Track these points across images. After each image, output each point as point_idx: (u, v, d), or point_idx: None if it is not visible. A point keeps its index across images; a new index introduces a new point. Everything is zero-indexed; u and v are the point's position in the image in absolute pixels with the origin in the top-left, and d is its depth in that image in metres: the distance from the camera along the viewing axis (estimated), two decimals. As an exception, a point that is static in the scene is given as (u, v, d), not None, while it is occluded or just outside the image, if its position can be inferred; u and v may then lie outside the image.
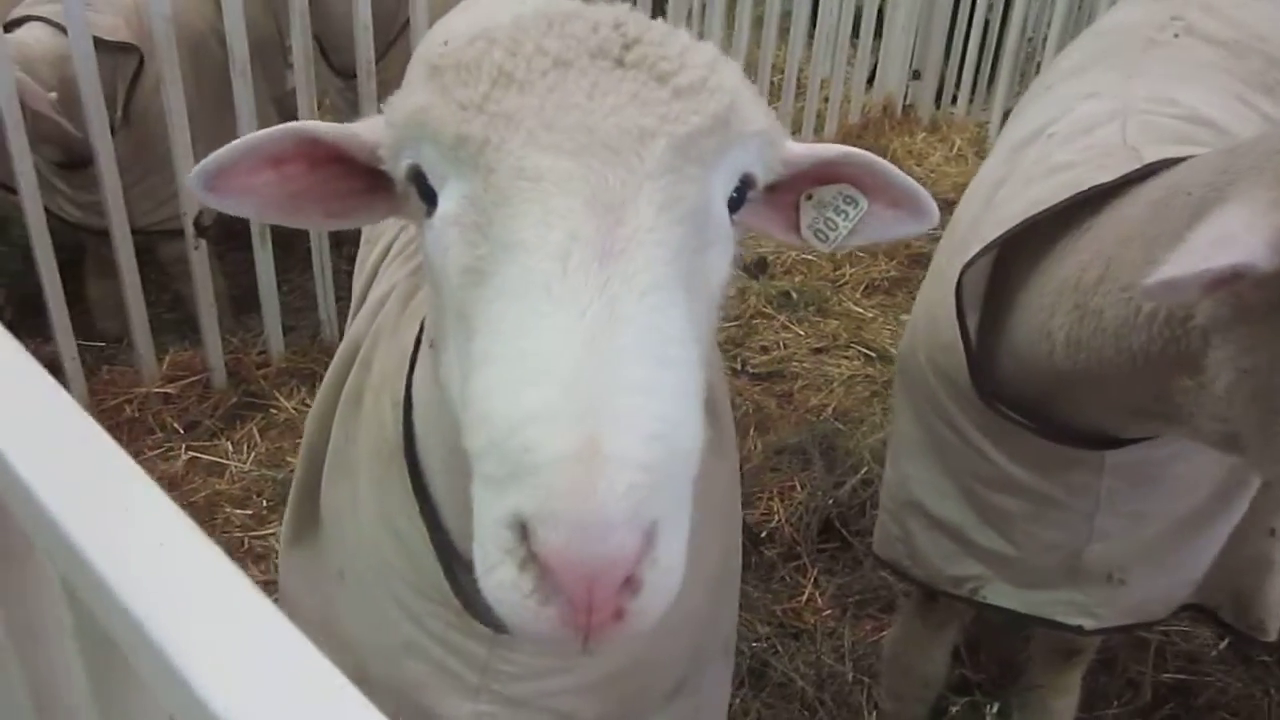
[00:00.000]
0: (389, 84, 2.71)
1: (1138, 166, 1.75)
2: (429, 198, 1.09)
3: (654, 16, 1.14)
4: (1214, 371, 1.48)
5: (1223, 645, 3.01)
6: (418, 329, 1.45)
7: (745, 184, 1.14)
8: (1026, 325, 1.88)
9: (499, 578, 0.86)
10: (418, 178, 1.09)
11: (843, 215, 1.29)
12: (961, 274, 1.93)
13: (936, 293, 2.06)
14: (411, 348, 1.45)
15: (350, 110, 4.40)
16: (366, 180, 1.20)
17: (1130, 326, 1.61)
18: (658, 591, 0.87)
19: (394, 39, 4.34)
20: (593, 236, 0.94)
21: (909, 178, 1.31)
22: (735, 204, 1.13)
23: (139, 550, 0.73)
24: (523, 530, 0.84)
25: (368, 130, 1.17)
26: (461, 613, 1.44)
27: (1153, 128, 1.91)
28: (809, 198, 1.29)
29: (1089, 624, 2.19)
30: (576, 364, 0.87)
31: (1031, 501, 2.06)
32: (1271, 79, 2.21)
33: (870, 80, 6.34)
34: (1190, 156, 1.67)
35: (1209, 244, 1.33)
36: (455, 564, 1.42)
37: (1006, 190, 2.02)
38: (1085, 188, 1.78)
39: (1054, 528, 2.08)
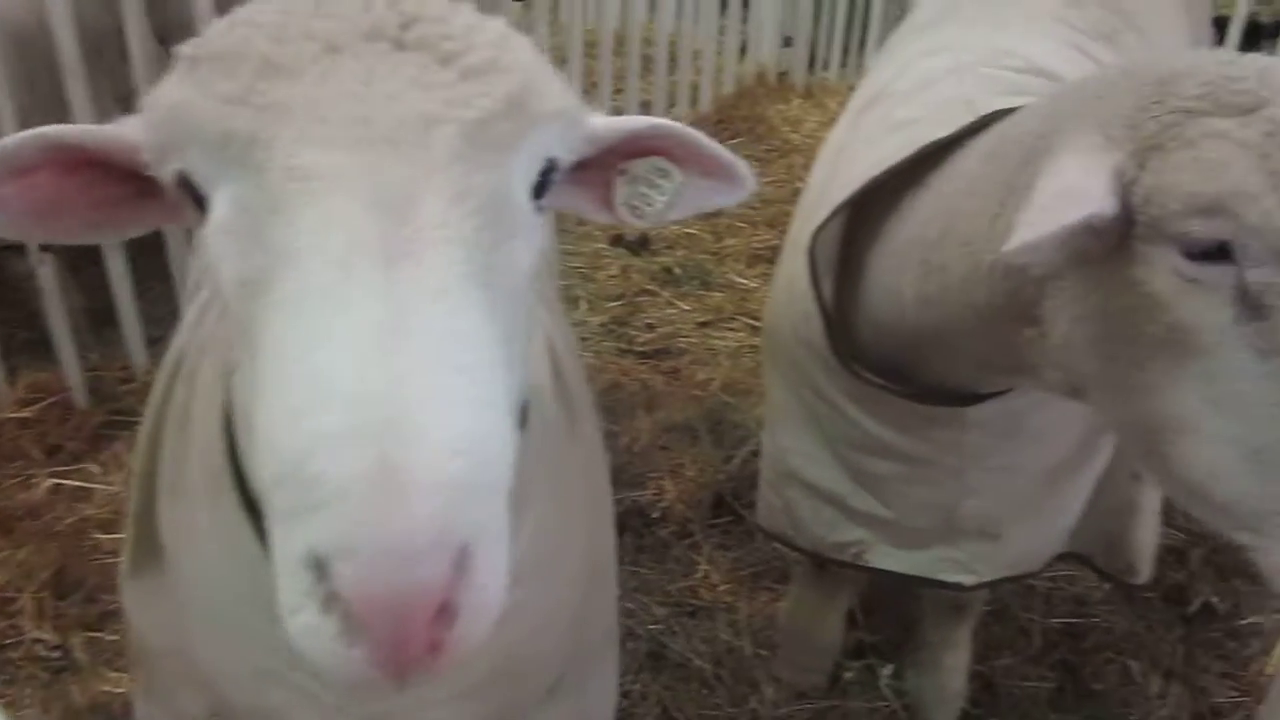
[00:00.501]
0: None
1: (972, 120, 1.74)
2: (202, 203, 0.99)
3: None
4: (1051, 320, 1.49)
5: (1108, 586, 3.07)
6: None
7: (549, 167, 1.07)
8: (878, 287, 1.87)
9: (302, 622, 0.80)
10: (186, 182, 0.99)
11: (657, 189, 1.24)
12: (813, 240, 1.91)
13: (794, 262, 2.04)
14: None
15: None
16: (134, 185, 1.08)
17: (973, 280, 1.61)
18: (477, 616, 0.82)
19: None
20: (375, 239, 0.87)
21: (720, 146, 1.25)
22: (540, 189, 1.06)
23: None
24: (322, 568, 0.78)
25: (130, 130, 1.04)
26: None
27: (990, 80, 1.91)
28: (621, 173, 1.23)
29: (969, 580, 2.21)
30: (364, 380, 0.81)
31: (902, 463, 2.06)
32: (1109, 27, 2.24)
33: (742, 50, 6.32)
34: (1021, 107, 1.67)
35: (1056, 200, 1.34)
36: None
37: (850, 152, 2.00)
38: (924, 144, 1.77)
39: (926, 487, 2.08)
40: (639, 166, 1.23)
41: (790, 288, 2.05)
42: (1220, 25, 4.95)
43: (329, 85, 0.93)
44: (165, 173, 1.00)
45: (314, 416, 0.80)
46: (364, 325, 0.83)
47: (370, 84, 0.93)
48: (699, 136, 1.24)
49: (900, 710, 2.70)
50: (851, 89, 6.34)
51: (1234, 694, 2.80)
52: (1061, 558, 2.38)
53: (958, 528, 2.12)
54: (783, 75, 6.47)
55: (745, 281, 4.61)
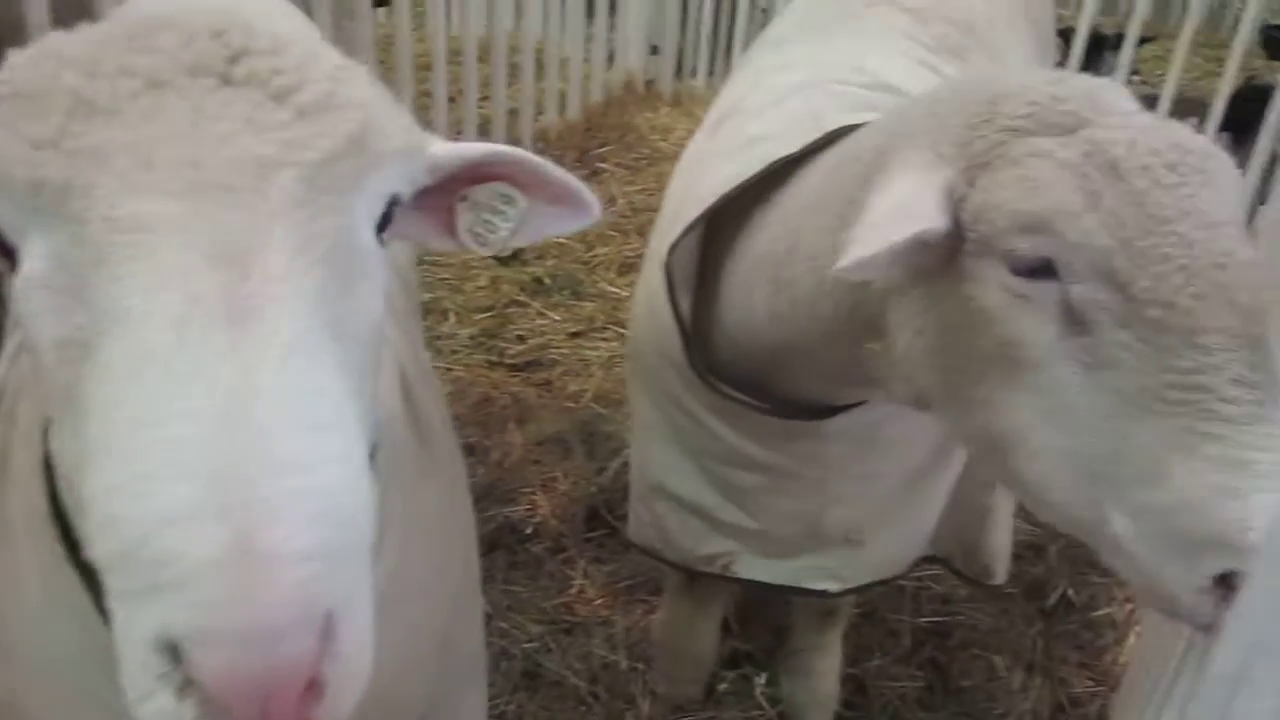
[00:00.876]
0: None
1: (819, 136, 1.76)
2: (8, 253, 0.90)
3: (379, 5, 1.01)
4: (894, 334, 1.52)
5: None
6: None
7: (392, 203, 1.03)
8: (732, 302, 1.87)
9: (155, 708, 0.76)
10: None
11: (501, 215, 1.21)
12: (668, 255, 1.90)
13: (653, 276, 2.03)
14: None
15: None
16: None
17: (820, 295, 1.63)
18: (344, 686, 0.80)
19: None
20: (214, 296, 0.81)
21: (565, 173, 1.23)
22: (382, 224, 1.02)
23: None
24: (174, 651, 0.74)
25: None
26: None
27: (839, 97, 1.94)
28: (463, 199, 1.19)
29: (835, 586, 2.24)
30: (211, 450, 0.76)
31: (766, 475, 2.07)
32: (956, 43, 2.29)
33: (610, 58, 6.33)
34: (865, 123, 1.69)
35: (887, 217, 1.36)
36: None
37: (704, 167, 2.01)
38: (773, 160, 1.78)
39: (790, 498, 2.10)
40: (481, 193, 1.19)
41: (650, 301, 2.05)
42: (1065, 37, 5.16)
43: (152, 126, 0.86)
44: None
45: (158, 492, 0.75)
46: (208, 392, 0.78)
47: (198, 124, 0.87)
48: (543, 163, 1.21)
49: (776, 718, 2.72)
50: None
51: (1091, 684, 2.90)
52: (924, 560, 2.43)
53: (823, 536, 2.14)
54: (650, 83, 6.50)
55: (617, 290, 4.60)
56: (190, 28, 0.92)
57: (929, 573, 3.13)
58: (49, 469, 1.25)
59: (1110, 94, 1.41)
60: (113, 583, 0.77)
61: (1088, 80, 1.44)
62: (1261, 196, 4.71)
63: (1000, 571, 2.40)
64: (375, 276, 0.99)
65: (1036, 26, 2.85)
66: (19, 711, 1.44)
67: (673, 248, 1.90)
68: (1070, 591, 3.14)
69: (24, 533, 1.34)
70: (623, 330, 4.31)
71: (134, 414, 0.78)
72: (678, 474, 2.22)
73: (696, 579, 2.57)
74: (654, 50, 6.53)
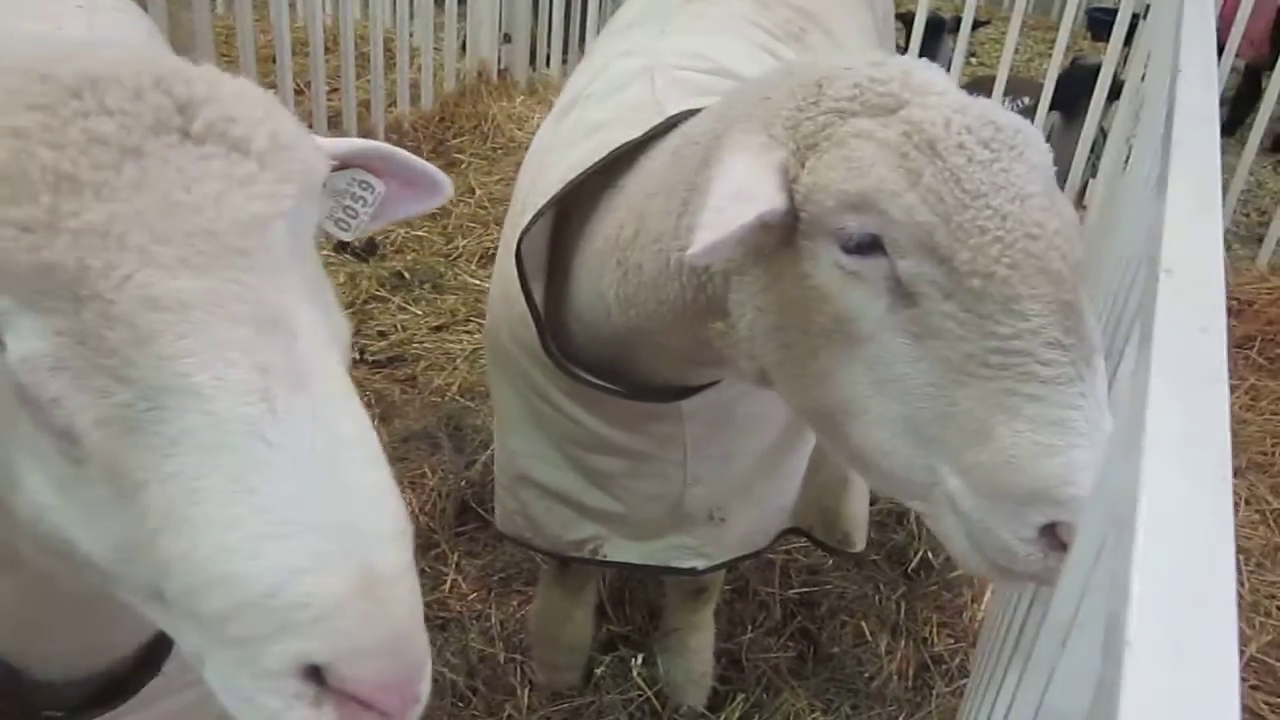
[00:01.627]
0: None
1: (661, 121, 1.78)
2: None
3: None
4: (737, 313, 1.56)
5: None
6: None
7: None
8: (584, 288, 1.88)
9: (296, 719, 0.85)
10: None
11: (360, 201, 1.25)
12: (519, 244, 1.90)
13: (506, 264, 2.02)
14: None
15: None
16: None
17: (665, 277, 1.66)
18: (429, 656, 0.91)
19: None
20: (282, 364, 0.87)
21: (417, 158, 1.29)
22: None
23: None
24: (310, 671, 0.84)
25: None
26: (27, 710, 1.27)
27: (680, 82, 1.96)
28: (322, 186, 1.20)
29: (701, 564, 2.28)
30: (323, 505, 0.85)
31: (628, 458, 2.09)
32: (796, 27, 2.34)
33: (462, 47, 6.25)
34: (705, 108, 1.72)
35: (729, 200, 1.39)
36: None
37: (552, 156, 2.00)
38: (616, 146, 1.80)
39: (652, 479, 2.12)
40: (340, 180, 1.23)
41: (505, 291, 2.04)
42: (905, 21, 5.33)
43: (146, 196, 0.88)
44: None
45: (285, 546, 0.83)
46: (307, 453, 0.85)
47: (190, 189, 0.89)
48: (398, 151, 1.27)
49: (653, 698, 2.75)
50: (573, 85, 6.49)
51: (951, 641, 3.03)
52: (787, 532, 2.48)
53: (686, 515, 2.18)
54: (504, 72, 6.45)
55: (478, 282, 4.55)
56: (130, 79, 0.92)
57: (796, 545, 3.22)
58: None
59: (926, 74, 1.46)
60: (223, 631, 0.85)
61: (905, 61, 1.50)
62: (1092, 170, 4.98)
63: (859, 539, 2.48)
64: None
65: (875, 11, 2.94)
66: None
67: (522, 236, 1.90)
68: (929, 554, 3.27)
69: None
70: (485, 323, 4.29)
71: (232, 482, 0.84)
72: (541, 461, 2.22)
73: (568, 566, 2.58)
74: (506, 39, 6.48)
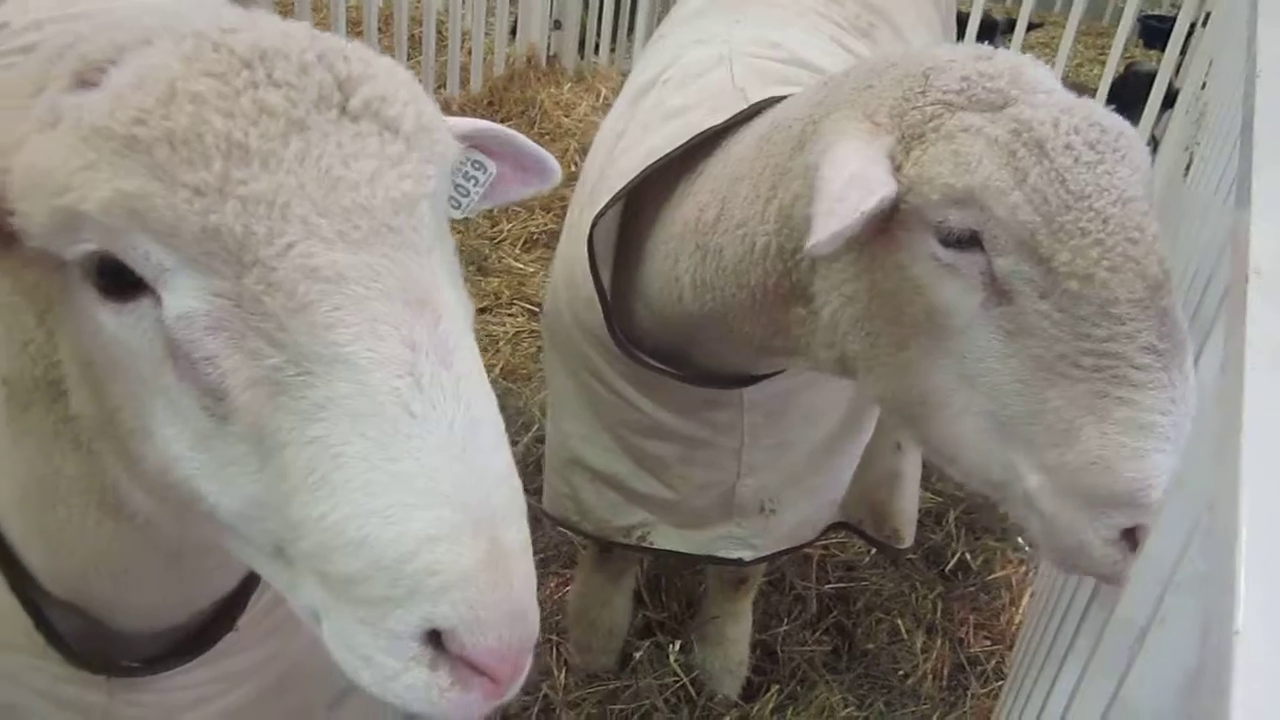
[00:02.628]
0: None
1: (745, 106, 1.79)
2: (123, 286, 0.91)
3: None
4: (821, 300, 1.56)
5: (874, 551, 3.25)
6: None
7: None
8: (656, 273, 1.89)
9: (409, 681, 0.89)
10: (107, 266, 0.91)
11: (473, 181, 1.27)
12: (592, 228, 1.91)
13: (573, 249, 2.04)
14: None
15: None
16: None
17: (748, 262, 1.66)
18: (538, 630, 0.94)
19: None
20: (428, 341, 0.90)
21: (531, 142, 1.31)
22: None
23: None
24: (430, 635, 0.88)
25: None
26: (65, 664, 1.28)
27: (758, 70, 1.97)
28: None
29: (748, 555, 2.28)
30: (460, 479, 0.88)
31: (682, 445, 2.10)
32: (865, 22, 2.35)
33: (513, 32, 6.27)
34: (790, 95, 1.72)
35: (848, 188, 1.39)
36: (48, 610, 1.27)
37: (627, 140, 2.02)
38: (698, 131, 1.80)
39: (705, 467, 2.13)
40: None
41: (570, 274, 2.05)
42: (958, 22, 5.31)
43: (311, 169, 0.91)
44: (68, 251, 0.92)
45: (420, 516, 0.86)
46: (447, 428, 0.88)
47: (349, 165, 0.92)
48: (515, 134, 1.29)
49: (689, 684, 2.76)
50: (623, 74, 6.47)
51: (988, 643, 3.03)
52: (833, 527, 2.49)
53: (736, 505, 2.18)
54: (553, 58, 6.46)
55: (521, 266, 4.58)
56: (299, 54, 0.94)
57: (834, 540, 3.22)
58: None
59: (1035, 71, 1.46)
60: (355, 591, 0.88)
61: (1013, 57, 1.49)
62: (1142, 178, 4.93)
63: (908, 535, 2.48)
64: None
65: (939, 9, 2.93)
66: None
67: (596, 219, 1.91)
68: (968, 556, 3.27)
69: None
70: (529, 306, 4.31)
71: (374, 450, 0.87)
72: (593, 445, 2.23)
73: (610, 551, 2.59)
74: (557, 25, 6.50)
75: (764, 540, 2.28)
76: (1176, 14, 4.80)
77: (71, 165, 0.89)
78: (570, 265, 2.04)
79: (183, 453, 0.95)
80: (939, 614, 3.09)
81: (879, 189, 1.38)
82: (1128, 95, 5.07)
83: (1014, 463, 1.40)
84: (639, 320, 2.01)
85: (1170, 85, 4.83)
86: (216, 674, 1.40)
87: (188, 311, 0.90)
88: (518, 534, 0.91)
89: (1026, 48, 7.44)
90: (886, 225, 1.44)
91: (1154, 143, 4.94)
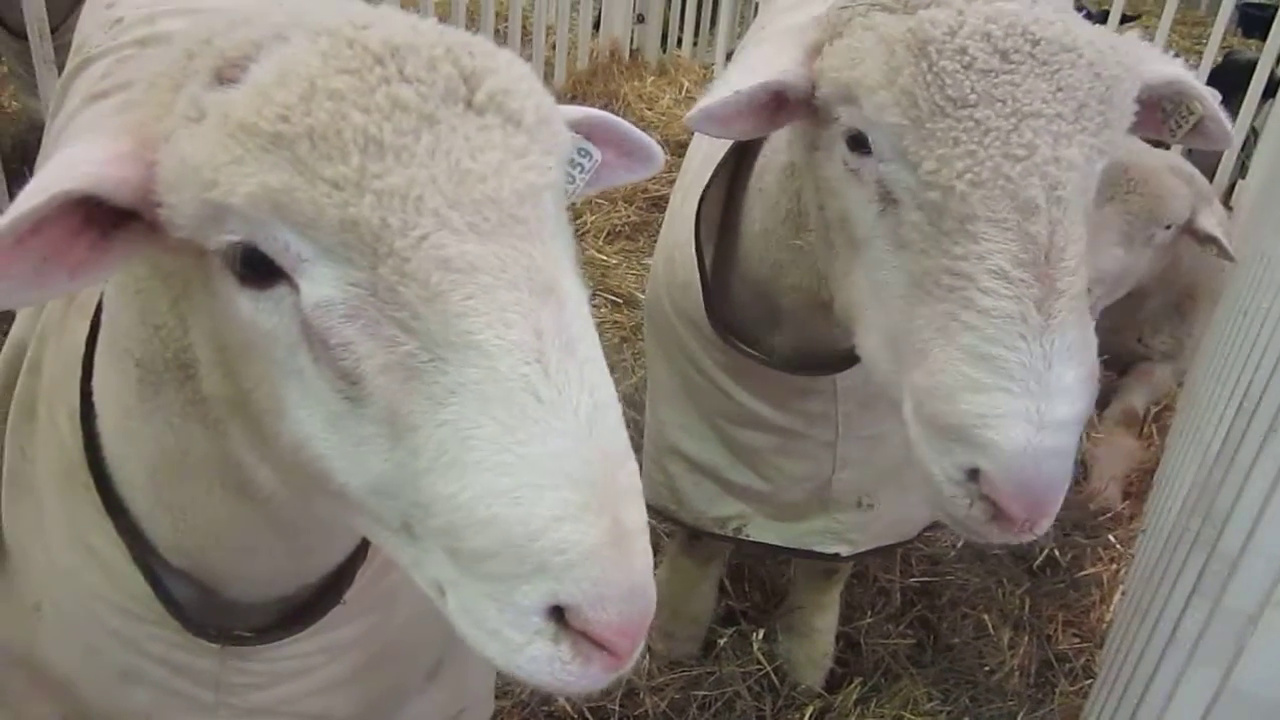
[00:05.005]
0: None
1: None
2: (261, 274, 0.96)
3: None
4: (812, 218, 1.58)
5: (960, 545, 3.22)
6: (88, 328, 1.30)
7: None
8: (746, 240, 1.89)
9: (533, 654, 0.93)
10: (248, 256, 0.95)
11: (579, 168, 1.29)
12: (700, 201, 1.92)
13: (673, 234, 2.05)
14: (83, 348, 1.30)
15: (33, 78, 3.93)
16: (109, 221, 1.01)
17: (779, 189, 1.68)
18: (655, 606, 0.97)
19: (78, -1, 3.91)
20: (553, 328, 0.94)
21: (635, 129, 1.34)
22: None
23: None
24: (554, 611, 0.91)
25: (130, 168, 0.98)
26: (182, 630, 1.34)
27: None
28: None
29: (845, 550, 2.27)
30: (585, 461, 0.92)
31: (776, 435, 2.10)
32: None
33: (596, 26, 6.31)
34: None
35: (741, 73, 1.44)
36: (166, 579, 1.32)
37: None
38: None
39: (800, 459, 2.13)
40: None
41: (669, 259, 2.07)
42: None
43: (440, 163, 0.94)
44: (213, 241, 0.96)
45: (548, 496, 0.90)
46: (573, 413, 0.92)
47: (476, 158, 0.95)
48: (620, 121, 1.32)
49: (772, 673, 2.77)
50: (704, 68, 6.50)
51: (1077, 640, 2.99)
52: (934, 525, 2.46)
53: (832, 499, 2.17)
54: (635, 53, 6.49)
55: (605, 258, 4.62)
56: (427, 48, 0.97)
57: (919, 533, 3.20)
58: (85, 420, 1.28)
59: None
60: (484, 568, 0.93)
61: None
62: (1241, 170, 4.80)
63: None
64: None
65: None
66: (37, 663, 1.46)
67: (704, 192, 1.91)
68: (1056, 552, 3.23)
69: (51, 483, 1.37)
70: (611, 297, 4.35)
71: (504, 433, 0.91)
72: (689, 434, 2.25)
73: (698, 538, 2.61)
74: (640, 19, 6.53)
75: (862, 535, 2.26)
76: (1277, 1, 4.65)
77: (219, 160, 0.93)
78: (670, 251, 2.06)
79: (315, 432, 0.99)
80: (1026, 610, 3.06)
81: (766, 75, 1.40)
82: (1226, 85, 4.92)
83: (899, 384, 1.37)
84: (736, 304, 2.01)
85: (1271, 75, 4.69)
86: (320, 645, 1.44)
87: (325, 300, 0.94)
88: (638, 514, 0.94)
89: (1118, 38, 7.25)
90: (818, 132, 1.45)
91: (1254, 134, 4.81)
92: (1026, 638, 2.97)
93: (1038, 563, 3.21)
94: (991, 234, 1.25)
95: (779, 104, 1.46)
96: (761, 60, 1.45)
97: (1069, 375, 1.24)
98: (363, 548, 1.43)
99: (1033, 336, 1.24)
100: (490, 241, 0.93)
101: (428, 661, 1.67)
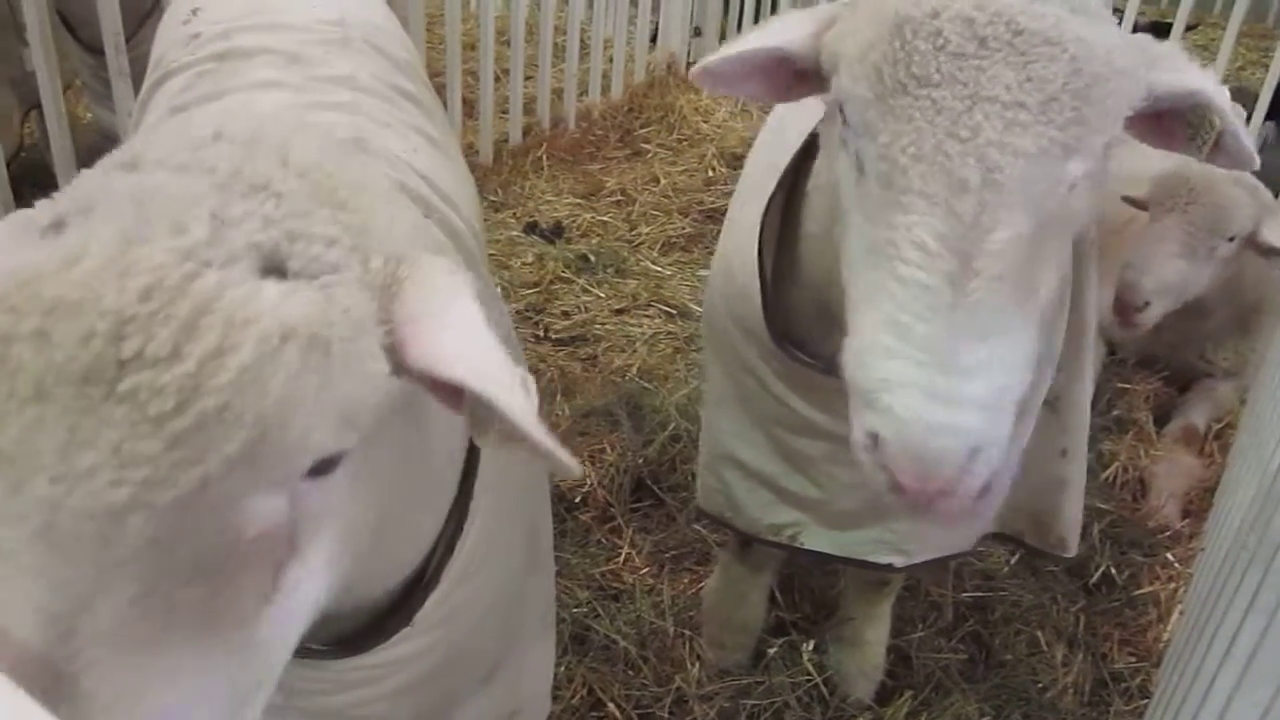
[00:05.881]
0: (145, 59, 2.49)
1: None
2: None
3: None
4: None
5: (1014, 560, 3.20)
6: None
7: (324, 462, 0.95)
8: (803, 244, 1.91)
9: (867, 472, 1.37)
10: None
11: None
12: (766, 206, 1.94)
13: (731, 241, 2.07)
14: None
15: (105, 90, 4.06)
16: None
17: (830, 186, 1.70)
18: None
19: (148, 12, 4.04)
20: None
21: (535, 434, 1.02)
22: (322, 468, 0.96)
23: None
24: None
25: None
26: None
27: None
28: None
29: (899, 561, 2.26)
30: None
31: (831, 443, 2.10)
32: None
33: (653, 38, 6.36)
34: None
35: (750, 37, 1.51)
36: None
37: (785, 123, 2.04)
38: None
39: (854, 467, 2.11)
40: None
41: (727, 268, 2.08)
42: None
43: (28, 444, 0.82)
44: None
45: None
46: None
47: (67, 456, 0.81)
48: (509, 407, 1.00)
49: (821, 684, 2.77)
50: (761, 80, 6.51)
51: (1133, 660, 2.95)
52: (989, 538, 2.44)
53: (887, 508, 2.16)
54: (692, 65, 6.52)
55: (659, 269, 4.65)
56: (94, 317, 0.83)
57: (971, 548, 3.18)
58: None
59: None
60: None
61: None
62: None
63: (1074, 543, 2.38)
64: None
65: None
66: None
67: (771, 198, 1.94)
68: (1112, 570, 3.18)
69: None
70: (666, 308, 4.37)
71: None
72: (745, 442, 2.26)
73: (750, 547, 2.61)
74: (696, 32, 6.57)
75: (916, 546, 2.25)
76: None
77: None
78: (728, 259, 2.07)
79: None
80: (1081, 627, 3.02)
81: (768, 40, 1.46)
82: (1293, 99, 4.86)
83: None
84: (794, 312, 2.02)
85: (1340, 89, 4.61)
86: (383, 660, 1.47)
87: None
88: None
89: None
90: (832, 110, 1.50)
91: (1321, 149, 4.72)
92: (1081, 655, 2.94)
93: (1093, 580, 3.17)
94: (920, 206, 1.29)
95: (788, 72, 1.51)
96: (775, 27, 1.50)
97: (971, 355, 1.26)
98: (435, 573, 1.44)
99: (941, 310, 1.27)
100: (27, 544, 0.81)
101: (484, 667, 1.69)
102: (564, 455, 1.01)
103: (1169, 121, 1.47)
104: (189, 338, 0.83)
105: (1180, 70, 1.45)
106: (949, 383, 1.25)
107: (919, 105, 1.30)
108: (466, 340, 0.95)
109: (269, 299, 0.87)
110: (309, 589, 0.99)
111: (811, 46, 1.45)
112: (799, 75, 1.49)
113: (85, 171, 1.03)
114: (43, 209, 0.95)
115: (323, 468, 0.94)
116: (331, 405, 0.88)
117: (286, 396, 0.85)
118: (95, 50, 4.09)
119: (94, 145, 4.74)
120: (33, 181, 3.92)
